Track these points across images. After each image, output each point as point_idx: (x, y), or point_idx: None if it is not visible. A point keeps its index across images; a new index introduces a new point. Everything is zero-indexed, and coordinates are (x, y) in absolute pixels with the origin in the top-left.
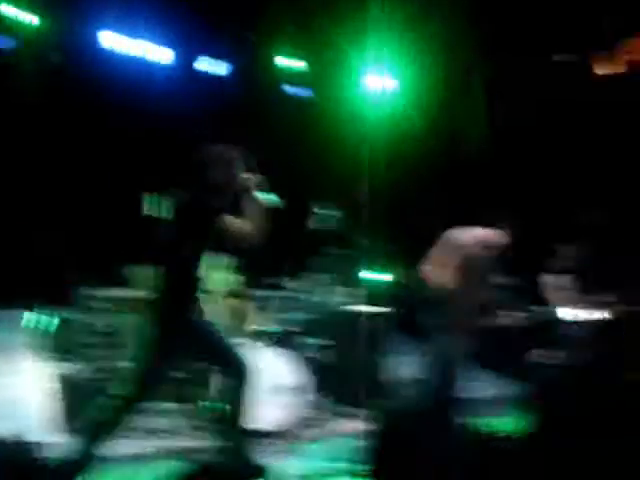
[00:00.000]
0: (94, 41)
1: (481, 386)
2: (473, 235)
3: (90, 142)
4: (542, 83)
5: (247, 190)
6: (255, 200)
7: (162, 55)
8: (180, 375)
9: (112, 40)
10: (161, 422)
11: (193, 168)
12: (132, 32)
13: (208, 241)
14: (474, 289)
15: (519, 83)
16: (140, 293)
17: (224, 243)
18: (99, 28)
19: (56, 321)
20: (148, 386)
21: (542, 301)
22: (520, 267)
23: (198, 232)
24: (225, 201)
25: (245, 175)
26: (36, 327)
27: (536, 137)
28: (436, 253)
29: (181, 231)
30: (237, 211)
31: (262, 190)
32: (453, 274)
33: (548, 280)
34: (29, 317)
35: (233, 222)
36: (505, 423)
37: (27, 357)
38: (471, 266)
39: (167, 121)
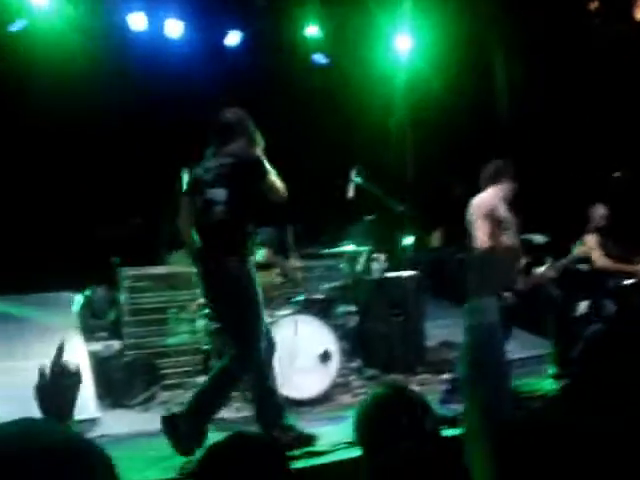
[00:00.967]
0: (111, 20)
1: (519, 347)
2: (497, 192)
3: (113, 123)
4: (568, 38)
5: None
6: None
7: (177, 29)
8: (219, 347)
9: (129, 18)
10: None
11: (224, 130)
12: (148, 8)
13: (259, 199)
14: (508, 247)
15: (541, 39)
16: (179, 269)
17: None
18: (115, 6)
19: (81, 300)
20: None
21: (578, 260)
22: (551, 226)
23: (251, 189)
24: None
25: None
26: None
27: (560, 94)
28: (469, 213)
29: (234, 192)
30: None
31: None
32: (486, 233)
33: (584, 239)
34: (78, 299)
35: (273, 178)
36: (543, 383)
37: (76, 338)
38: (502, 223)
39: (189, 97)
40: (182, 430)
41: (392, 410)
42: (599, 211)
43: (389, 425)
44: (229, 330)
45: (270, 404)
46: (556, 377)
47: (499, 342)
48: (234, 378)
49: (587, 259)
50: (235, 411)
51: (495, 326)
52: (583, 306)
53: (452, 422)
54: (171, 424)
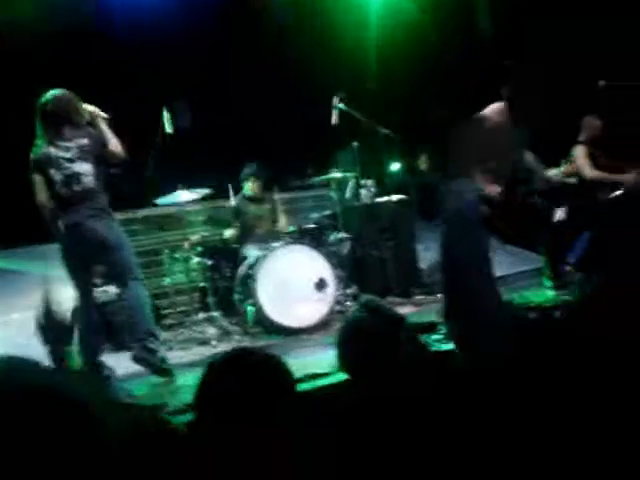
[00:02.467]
0: None
1: (511, 261)
2: (491, 108)
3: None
4: None
5: None
6: None
7: None
8: (223, 283)
9: None
10: (210, 330)
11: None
12: None
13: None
14: (501, 162)
15: None
16: (168, 210)
17: None
18: None
19: None
20: None
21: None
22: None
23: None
24: None
25: None
26: None
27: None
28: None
29: None
30: None
31: None
32: (479, 149)
33: (574, 152)
34: None
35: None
36: (537, 295)
37: None
38: (494, 138)
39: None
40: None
41: (368, 334)
42: (592, 122)
43: (367, 349)
44: None
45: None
46: (553, 288)
47: (480, 233)
48: None
49: (575, 175)
50: (236, 344)
51: (474, 210)
52: (560, 212)
53: (430, 328)
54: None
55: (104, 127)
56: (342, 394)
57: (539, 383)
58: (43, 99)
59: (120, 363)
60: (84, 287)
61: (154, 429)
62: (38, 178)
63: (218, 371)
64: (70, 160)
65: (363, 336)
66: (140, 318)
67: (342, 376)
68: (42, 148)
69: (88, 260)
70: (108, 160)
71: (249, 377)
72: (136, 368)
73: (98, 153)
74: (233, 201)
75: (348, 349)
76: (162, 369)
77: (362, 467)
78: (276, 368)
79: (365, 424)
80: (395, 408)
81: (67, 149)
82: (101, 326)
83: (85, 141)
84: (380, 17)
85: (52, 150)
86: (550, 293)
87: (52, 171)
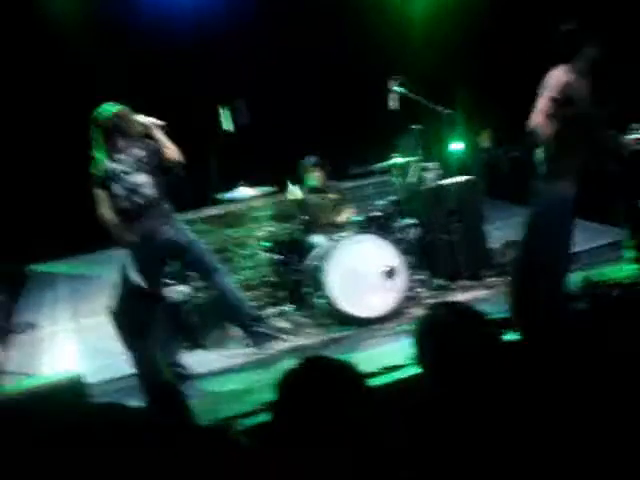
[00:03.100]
0: None
1: (588, 236)
2: (563, 70)
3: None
4: None
5: None
6: None
7: None
8: (292, 276)
9: None
10: (282, 325)
11: None
12: None
13: None
14: (577, 123)
15: None
16: (231, 207)
17: None
18: None
19: None
20: None
21: None
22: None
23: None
24: None
25: None
26: None
27: None
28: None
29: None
30: None
31: None
32: (552, 114)
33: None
34: None
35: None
36: (616, 270)
37: None
38: (568, 99)
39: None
40: None
41: (446, 331)
42: None
43: (446, 346)
44: None
45: None
46: (636, 261)
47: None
48: None
49: None
50: (309, 337)
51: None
52: None
53: (505, 324)
54: None
55: (160, 136)
56: (417, 388)
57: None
58: (97, 113)
59: (197, 362)
60: (159, 291)
61: (225, 450)
62: (100, 193)
63: (292, 384)
64: (127, 173)
65: (440, 332)
66: (237, 305)
67: (418, 369)
68: (102, 163)
69: (163, 267)
70: (167, 167)
71: (323, 387)
72: (213, 366)
73: (155, 163)
74: (294, 194)
75: (424, 345)
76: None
77: (437, 464)
78: (349, 377)
79: (440, 420)
80: (470, 405)
81: (124, 162)
82: (177, 326)
83: (141, 152)
84: None
85: (111, 164)
86: (630, 267)
87: (114, 185)
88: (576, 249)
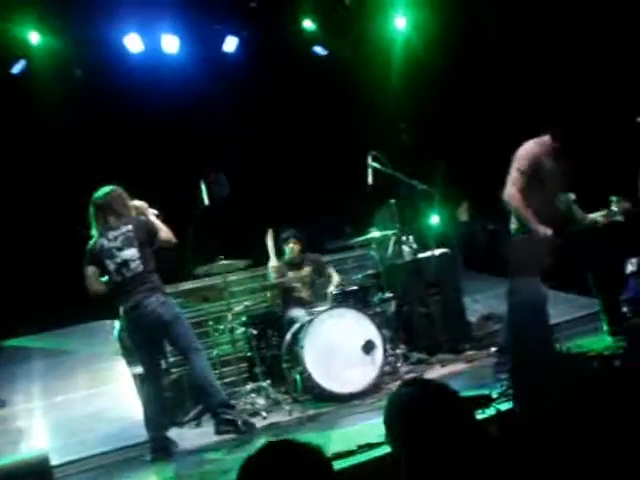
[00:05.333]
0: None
1: (566, 308)
2: (534, 143)
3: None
4: None
5: None
6: None
7: (173, 44)
8: (270, 351)
9: (126, 41)
10: (260, 401)
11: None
12: (141, 28)
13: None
14: (549, 200)
15: None
16: (208, 282)
17: None
18: (113, 32)
19: (118, 325)
20: None
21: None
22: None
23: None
24: None
25: None
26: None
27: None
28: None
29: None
30: None
31: None
32: (523, 186)
33: None
34: (116, 325)
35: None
36: (595, 342)
37: (120, 363)
38: (539, 176)
39: (196, 108)
40: None
41: (419, 407)
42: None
43: (415, 426)
44: None
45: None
46: (612, 334)
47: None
48: None
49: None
50: (287, 414)
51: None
52: (634, 263)
53: (486, 401)
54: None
55: (153, 218)
56: (390, 469)
57: (603, 440)
58: (95, 195)
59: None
60: (150, 364)
61: None
62: (92, 270)
63: (249, 472)
64: (118, 249)
65: (407, 412)
66: (210, 391)
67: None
68: (96, 240)
69: (151, 338)
70: (160, 246)
71: (282, 476)
72: (190, 444)
73: (143, 238)
74: (274, 265)
75: (392, 425)
76: (246, 432)
77: None
78: (314, 461)
79: None
80: None
81: (115, 238)
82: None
83: (128, 227)
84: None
85: (104, 241)
86: (609, 339)
87: (107, 261)
88: (556, 320)
